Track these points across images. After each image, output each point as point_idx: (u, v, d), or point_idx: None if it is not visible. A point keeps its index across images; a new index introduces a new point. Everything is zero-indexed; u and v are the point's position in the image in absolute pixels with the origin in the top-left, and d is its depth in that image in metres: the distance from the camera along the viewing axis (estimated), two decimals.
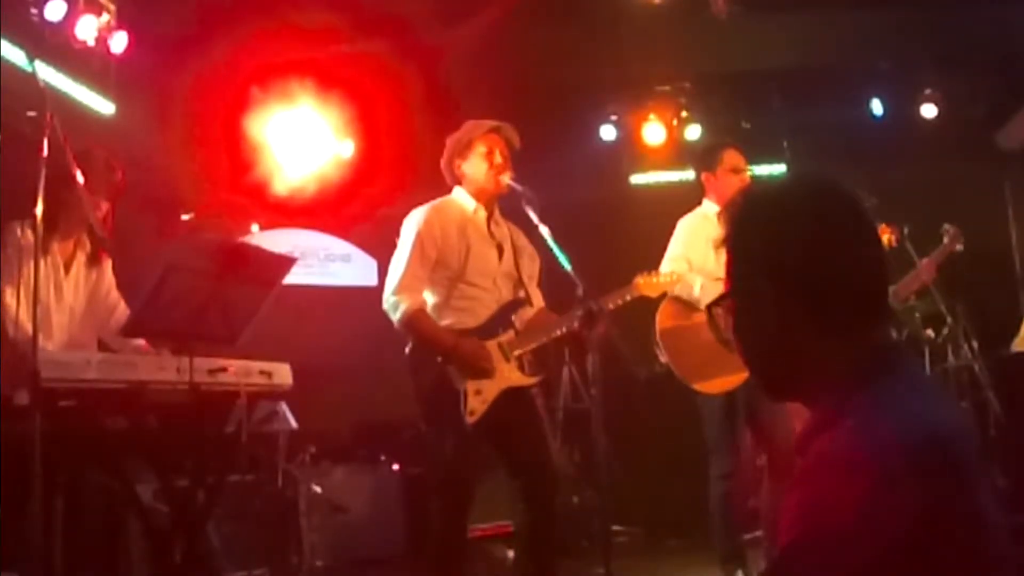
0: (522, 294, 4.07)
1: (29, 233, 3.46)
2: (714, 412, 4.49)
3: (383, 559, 5.89)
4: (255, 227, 7.28)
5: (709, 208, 4.84)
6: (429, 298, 3.98)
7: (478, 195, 4.07)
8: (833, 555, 1.21)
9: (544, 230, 3.72)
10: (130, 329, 3.58)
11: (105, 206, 3.68)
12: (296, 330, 5.87)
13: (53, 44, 5.28)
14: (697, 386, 4.45)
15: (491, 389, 3.82)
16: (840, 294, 1.38)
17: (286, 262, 3.78)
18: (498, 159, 4.00)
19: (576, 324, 3.81)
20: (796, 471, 1.33)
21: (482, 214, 4.07)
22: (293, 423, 5.20)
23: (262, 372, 3.59)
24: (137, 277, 3.83)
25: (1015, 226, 7.90)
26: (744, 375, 4.26)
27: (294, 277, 3.96)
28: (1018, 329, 5.71)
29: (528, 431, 3.94)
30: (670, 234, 5.14)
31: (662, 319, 4.58)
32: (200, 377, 3.33)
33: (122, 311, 3.85)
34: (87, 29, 5.42)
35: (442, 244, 3.93)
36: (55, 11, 5.26)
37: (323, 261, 7.67)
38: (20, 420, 2.86)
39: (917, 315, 5.97)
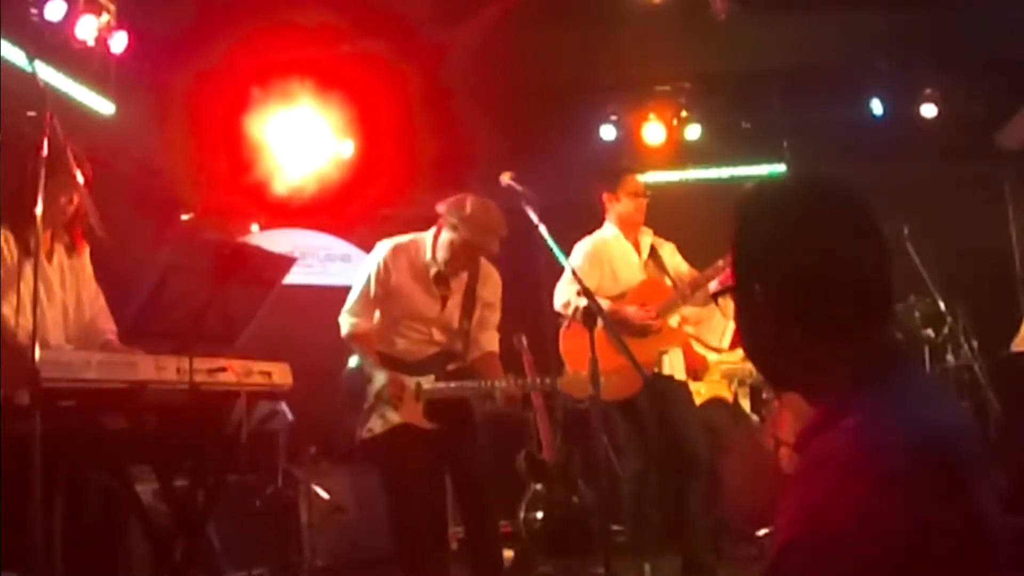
0: (458, 346, 4.29)
1: (8, 234, 3.46)
2: (617, 416, 4.78)
3: (383, 559, 5.87)
4: (255, 227, 7.26)
5: (608, 231, 5.01)
6: (376, 320, 4.29)
7: (438, 257, 4.22)
8: (831, 556, 1.21)
9: (544, 229, 3.74)
10: (130, 330, 3.58)
11: (77, 198, 3.58)
12: (296, 330, 5.85)
13: (53, 44, 5.28)
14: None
15: (394, 416, 4.11)
16: (838, 297, 1.37)
17: (286, 262, 3.78)
18: (464, 262, 4.20)
19: (490, 392, 4.19)
20: (795, 469, 1.33)
21: (435, 268, 4.24)
22: (293, 422, 5.20)
23: (262, 372, 3.60)
24: (137, 277, 3.83)
25: (1015, 226, 7.90)
26: (638, 386, 4.40)
27: (294, 277, 3.97)
28: (1018, 329, 5.72)
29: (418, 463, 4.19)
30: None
31: (564, 338, 4.82)
32: (200, 377, 3.33)
33: (104, 312, 3.84)
34: (87, 29, 5.41)
35: (391, 284, 4.23)
36: (55, 11, 5.26)
37: (323, 261, 7.66)
38: (20, 420, 2.85)
39: (917, 315, 5.97)
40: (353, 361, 4.34)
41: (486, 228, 4.10)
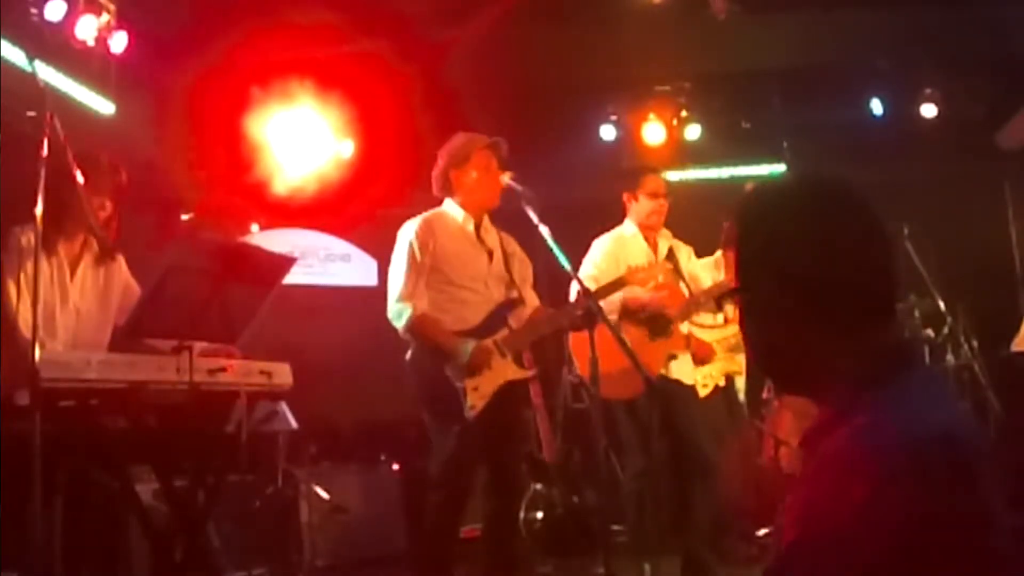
0: (515, 294, 4.23)
1: (31, 236, 3.45)
2: (621, 416, 4.74)
3: (383, 559, 5.89)
4: (255, 227, 7.28)
5: (628, 228, 4.99)
6: (425, 300, 4.14)
7: (469, 207, 4.24)
8: (833, 555, 1.21)
9: (544, 230, 3.74)
10: (130, 329, 3.57)
11: (109, 206, 3.64)
12: (296, 330, 5.86)
13: (53, 44, 5.28)
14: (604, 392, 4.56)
15: (489, 385, 3.99)
16: (847, 295, 1.36)
17: (286, 262, 3.77)
18: (496, 189, 4.15)
19: (568, 321, 4.15)
20: (803, 469, 1.33)
21: (471, 224, 4.23)
22: (293, 423, 5.20)
23: (262, 372, 3.59)
24: (137, 277, 3.83)
25: (1015, 226, 7.91)
26: (641, 387, 4.35)
27: (294, 277, 3.96)
28: (1018, 329, 5.72)
29: (515, 429, 4.21)
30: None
31: (573, 336, 4.74)
32: (200, 377, 3.32)
33: None
34: (87, 29, 5.41)
35: (434, 250, 4.13)
36: (55, 11, 5.26)
37: (323, 261, 7.67)
38: (20, 420, 2.85)
39: (917, 315, 5.97)
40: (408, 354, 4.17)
41: (482, 137, 4.22)
